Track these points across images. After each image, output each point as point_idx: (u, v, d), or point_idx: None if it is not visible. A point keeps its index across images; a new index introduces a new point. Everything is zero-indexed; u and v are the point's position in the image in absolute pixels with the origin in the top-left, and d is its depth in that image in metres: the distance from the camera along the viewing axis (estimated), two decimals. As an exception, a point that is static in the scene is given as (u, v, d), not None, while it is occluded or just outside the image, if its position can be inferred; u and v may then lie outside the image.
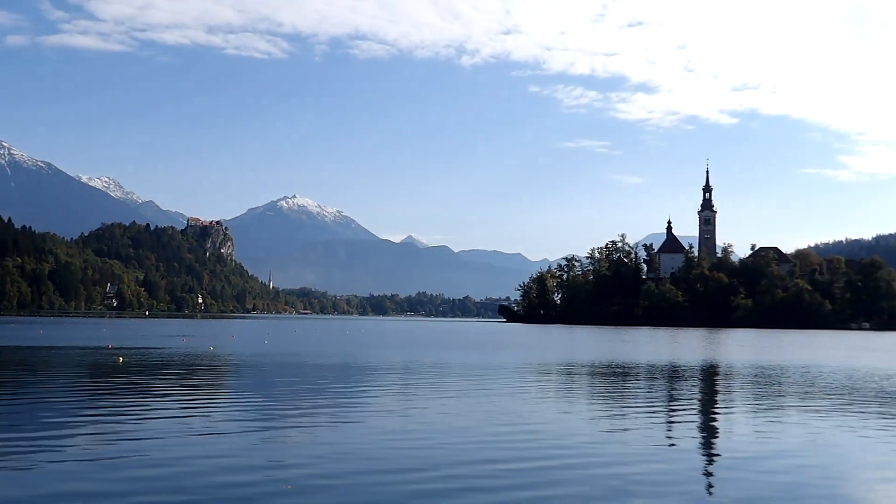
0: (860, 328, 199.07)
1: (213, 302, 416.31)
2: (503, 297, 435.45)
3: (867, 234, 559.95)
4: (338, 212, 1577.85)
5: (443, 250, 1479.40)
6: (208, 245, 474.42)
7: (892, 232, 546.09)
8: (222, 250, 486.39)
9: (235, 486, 11.21)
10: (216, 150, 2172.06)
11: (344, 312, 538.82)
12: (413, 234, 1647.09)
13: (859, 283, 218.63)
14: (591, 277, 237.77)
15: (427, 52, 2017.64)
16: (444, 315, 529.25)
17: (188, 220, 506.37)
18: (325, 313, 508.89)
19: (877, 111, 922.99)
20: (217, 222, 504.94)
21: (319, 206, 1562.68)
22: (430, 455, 13.87)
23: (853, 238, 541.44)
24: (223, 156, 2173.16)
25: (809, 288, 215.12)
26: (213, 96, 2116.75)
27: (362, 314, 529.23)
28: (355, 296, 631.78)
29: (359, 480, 11.75)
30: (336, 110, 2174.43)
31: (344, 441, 15.15)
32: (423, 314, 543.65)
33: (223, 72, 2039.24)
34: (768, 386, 30.02)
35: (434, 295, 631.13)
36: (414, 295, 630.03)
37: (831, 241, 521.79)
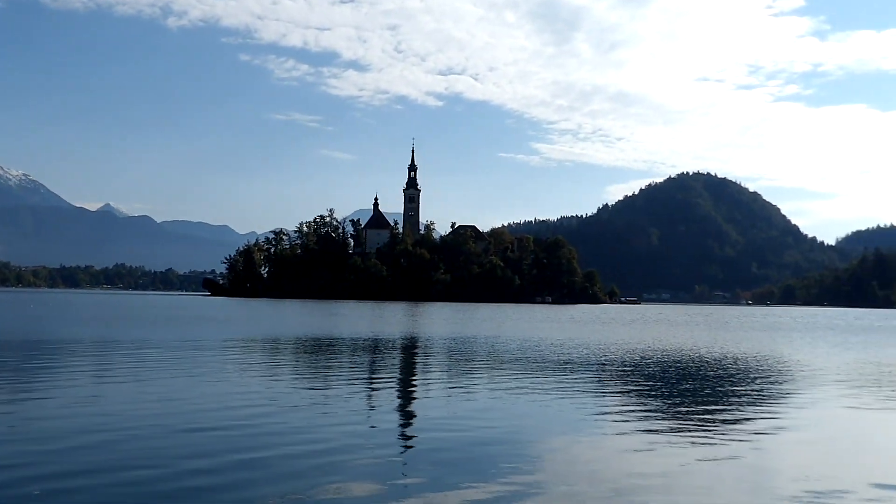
0: (544, 301, 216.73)
1: None
2: (209, 270, 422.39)
3: (553, 216, 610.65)
4: (24, 175, 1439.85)
5: (144, 220, 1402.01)
6: None
7: (574, 214, 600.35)
8: None
9: None
10: None
11: (31, 285, 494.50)
12: (112, 203, 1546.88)
13: (545, 261, 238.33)
14: (299, 251, 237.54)
15: (129, 8, 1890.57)
16: (145, 288, 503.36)
17: None
18: (6, 285, 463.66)
19: (562, 101, 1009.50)
20: None
21: (2, 169, 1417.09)
22: (115, 437, 13.31)
23: (541, 219, 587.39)
24: None
25: (502, 264, 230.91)
26: None
27: (52, 287, 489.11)
28: (44, 267, 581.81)
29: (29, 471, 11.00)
30: (19, 64, 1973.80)
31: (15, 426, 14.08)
32: (121, 287, 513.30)
33: None
34: (460, 356, 31.96)
35: (134, 267, 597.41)
36: (111, 267, 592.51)
37: (522, 221, 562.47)
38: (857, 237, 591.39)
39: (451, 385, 22.09)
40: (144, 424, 14.55)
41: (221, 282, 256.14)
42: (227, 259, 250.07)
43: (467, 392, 20.48)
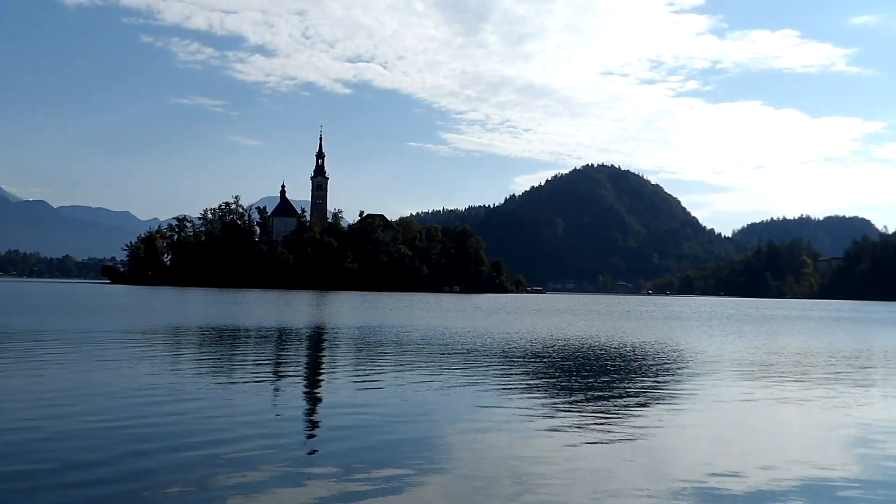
0: (452, 291, 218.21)
1: None
2: (108, 257, 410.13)
3: (461, 206, 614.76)
4: None
5: (40, 205, 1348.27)
6: None
7: (482, 204, 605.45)
8: None
9: None
10: None
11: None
12: (4, 186, 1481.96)
13: (452, 250, 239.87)
14: (203, 239, 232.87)
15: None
16: (41, 276, 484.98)
17: None
18: None
19: (470, 91, 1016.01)
20: None
21: None
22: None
23: (449, 208, 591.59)
24: None
25: (410, 253, 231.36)
26: None
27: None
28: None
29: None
30: None
31: None
32: (14, 274, 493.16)
33: None
34: (367, 345, 31.95)
35: (28, 254, 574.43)
36: (4, 253, 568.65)
37: (431, 211, 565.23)
38: (752, 229, 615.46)
39: (357, 374, 22.07)
40: (35, 416, 14.10)
41: (122, 269, 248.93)
42: (127, 246, 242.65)
43: (373, 381, 20.50)
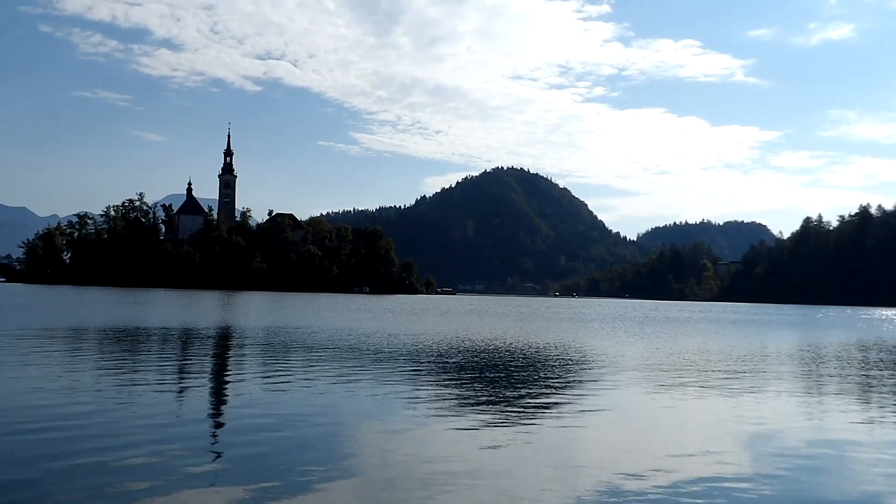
0: (362, 291, 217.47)
1: None
2: (4, 254, 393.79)
3: (372, 206, 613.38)
4: None
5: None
6: None
7: (393, 205, 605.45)
8: None
9: None
10: None
11: None
12: None
13: (363, 251, 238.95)
14: (106, 236, 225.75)
15: None
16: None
17: None
18: None
19: (382, 92, 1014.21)
20: None
21: None
22: None
23: (360, 209, 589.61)
24: None
25: (320, 253, 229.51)
26: None
27: None
28: None
29: None
30: None
31: None
32: None
33: None
34: (275, 346, 31.59)
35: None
36: None
37: (341, 211, 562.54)
38: (656, 233, 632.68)
39: (263, 376, 21.82)
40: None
41: (18, 267, 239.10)
42: (24, 243, 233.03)
43: (280, 383, 20.30)
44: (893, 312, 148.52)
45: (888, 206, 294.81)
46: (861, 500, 10.37)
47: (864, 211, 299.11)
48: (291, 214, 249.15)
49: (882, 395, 21.50)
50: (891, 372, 28.53)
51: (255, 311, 71.06)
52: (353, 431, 14.08)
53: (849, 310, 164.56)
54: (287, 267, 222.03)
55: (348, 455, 12.09)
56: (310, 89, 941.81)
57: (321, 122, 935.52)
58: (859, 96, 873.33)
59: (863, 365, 31.54)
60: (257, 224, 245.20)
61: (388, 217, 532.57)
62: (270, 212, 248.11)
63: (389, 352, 30.73)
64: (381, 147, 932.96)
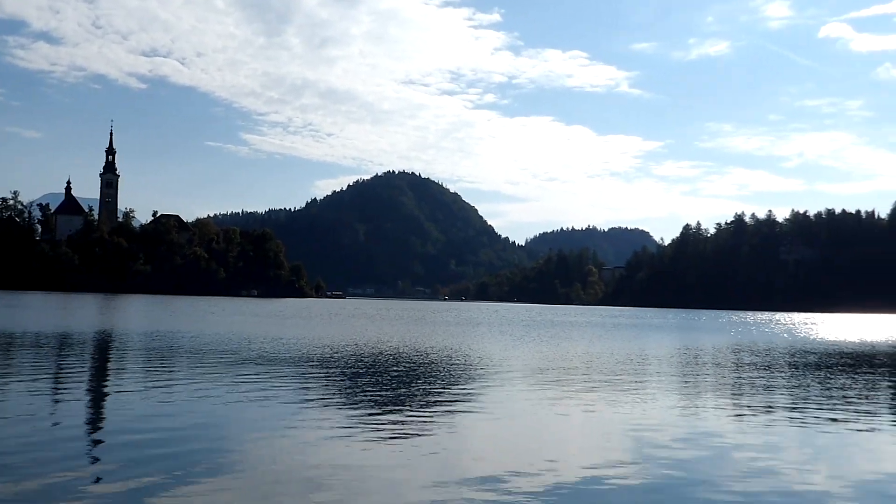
0: (250, 295, 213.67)
1: None
2: None
3: (261, 208, 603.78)
4: None
5: None
6: None
7: (283, 207, 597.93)
8: None
9: None
10: None
11: None
12: None
13: (251, 253, 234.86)
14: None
15: None
16: None
17: None
18: None
19: (272, 93, 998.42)
20: None
21: None
22: None
23: (249, 211, 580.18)
24: None
25: (206, 256, 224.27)
26: None
27: None
28: None
29: None
30: None
31: None
32: None
33: None
34: (157, 352, 30.75)
35: None
36: None
37: (229, 213, 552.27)
38: (544, 238, 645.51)
39: (144, 383, 21.22)
40: None
41: None
42: None
43: (164, 391, 19.78)
44: (766, 317, 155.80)
45: (760, 215, 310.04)
46: (732, 495, 10.86)
47: (738, 219, 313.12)
48: (177, 216, 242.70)
49: (753, 396, 22.55)
50: (761, 373, 29.94)
51: (136, 315, 68.90)
52: (237, 438, 13.84)
53: (724, 314, 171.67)
54: (172, 270, 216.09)
55: (231, 462, 11.87)
56: (198, 88, 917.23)
57: (209, 122, 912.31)
58: (734, 110, 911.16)
59: (736, 367, 32.99)
60: (141, 225, 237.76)
61: (278, 219, 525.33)
62: (155, 213, 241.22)
63: (275, 357, 30.34)
64: (272, 149, 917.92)
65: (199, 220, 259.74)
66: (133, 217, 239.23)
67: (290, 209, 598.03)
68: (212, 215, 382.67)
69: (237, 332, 45.49)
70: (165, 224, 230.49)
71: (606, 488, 11.02)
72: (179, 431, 14.10)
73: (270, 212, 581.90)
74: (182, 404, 17.29)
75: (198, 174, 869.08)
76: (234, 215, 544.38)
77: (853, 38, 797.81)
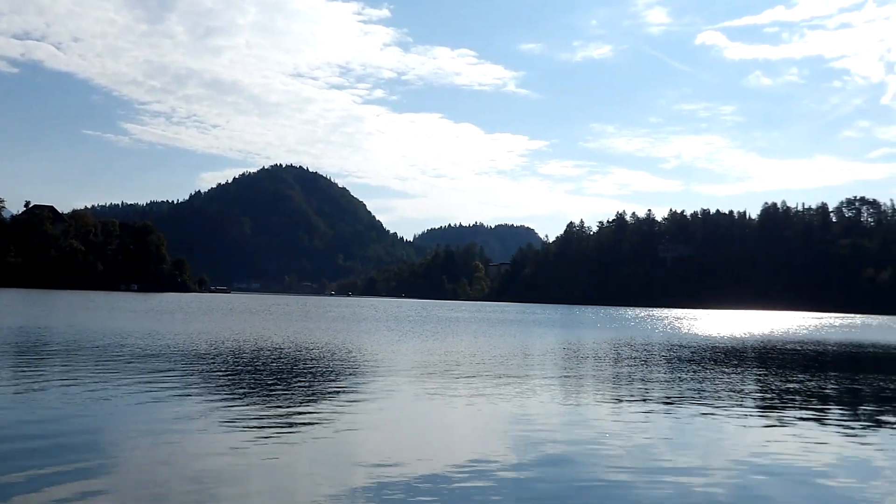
0: (130, 289, 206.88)
1: None
2: None
3: (142, 200, 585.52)
4: None
5: None
6: None
7: (165, 199, 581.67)
8: None
9: None
10: None
11: None
12: None
13: (132, 246, 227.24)
14: None
15: None
16: None
17: None
18: None
19: (155, 82, 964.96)
20: None
21: None
22: None
23: (129, 203, 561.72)
24: None
25: (83, 249, 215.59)
26: None
27: None
28: None
29: None
30: None
31: None
32: None
33: None
34: (28, 350, 29.49)
35: None
36: None
37: (108, 204, 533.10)
38: (432, 234, 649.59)
39: (13, 381, 20.35)
40: None
41: None
42: None
43: (33, 391, 19.03)
44: (645, 312, 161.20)
45: (641, 214, 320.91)
46: (610, 482, 11.27)
47: (620, 218, 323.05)
48: (52, 206, 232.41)
49: (631, 389, 23.36)
50: (639, 368, 31.03)
51: (4, 310, 65.75)
52: (112, 438, 13.45)
53: (606, 310, 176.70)
54: (46, 263, 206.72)
55: (107, 463, 11.53)
56: (75, 75, 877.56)
57: (87, 109, 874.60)
58: (617, 112, 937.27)
59: (614, 361, 34.08)
60: (12, 216, 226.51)
61: (160, 212, 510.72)
62: (27, 203, 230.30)
63: (152, 354, 29.52)
64: (154, 139, 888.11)
65: (75, 212, 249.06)
66: (3, 207, 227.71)
67: (173, 202, 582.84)
68: (89, 207, 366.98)
69: (113, 329, 44.02)
70: (39, 215, 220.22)
71: (488, 478, 11.25)
72: (50, 431, 13.60)
73: (152, 204, 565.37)
74: (52, 405, 16.65)
75: (74, 164, 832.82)
76: (114, 207, 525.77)
77: (727, 46, 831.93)
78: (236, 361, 27.58)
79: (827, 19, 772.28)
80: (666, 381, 25.59)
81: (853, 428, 17.23)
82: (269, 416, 15.87)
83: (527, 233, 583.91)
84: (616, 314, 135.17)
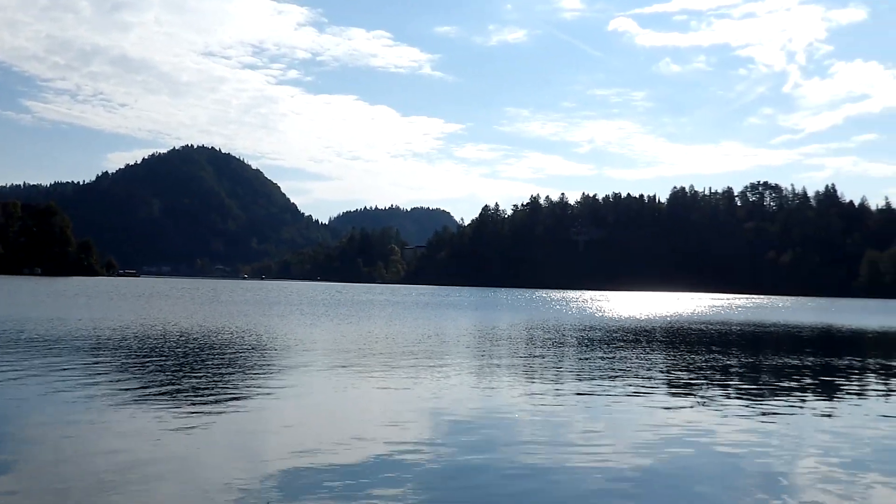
0: (33, 273, 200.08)
1: None
2: None
3: (46, 181, 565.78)
4: None
5: None
6: None
7: (70, 180, 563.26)
8: None
9: None
10: None
11: None
12: None
13: (34, 229, 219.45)
14: None
15: None
16: None
17: None
18: None
19: (58, 58, 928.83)
20: None
21: None
22: None
23: (32, 183, 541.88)
24: None
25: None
26: None
27: None
28: None
29: None
30: None
31: None
32: None
33: None
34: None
35: None
36: None
37: (9, 185, 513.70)
38: (347, 217, 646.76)
39: None
40: None
41: None
42: None
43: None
44: (559, 294, 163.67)
45: (554, 198, 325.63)
46: (523, 466, 11.31)
47: (534, 201, 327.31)
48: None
49: (544, 371, 23.59)
50: (552, 350, 31.41)
51: None
52: (9, 434, 12.87)
53: (521, 292, 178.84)
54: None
55: (6, 461, 11.02)
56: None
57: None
58: (531, 96, 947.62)
59: (528, 343, 34.42)
60: None
61: (65, 193, 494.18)
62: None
63: (53, 341, 28.47)
64: (58, 118, 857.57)
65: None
66: None
67: (78, 182, 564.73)
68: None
69: (12, 315, 42.36)
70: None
71: (401, 461, 11.16)
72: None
73: (56, 185, 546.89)
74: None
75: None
76: (15, 188, 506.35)
77: (638, 33, 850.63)
78: (142, 348, 26.80)
79: (733, 8, 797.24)
80: (577, 362, 25.95)
81: (756, 401, 17.78)
82: (178, 405, 15.43)
83: (443, 216, 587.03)
84: (530, 296, 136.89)
